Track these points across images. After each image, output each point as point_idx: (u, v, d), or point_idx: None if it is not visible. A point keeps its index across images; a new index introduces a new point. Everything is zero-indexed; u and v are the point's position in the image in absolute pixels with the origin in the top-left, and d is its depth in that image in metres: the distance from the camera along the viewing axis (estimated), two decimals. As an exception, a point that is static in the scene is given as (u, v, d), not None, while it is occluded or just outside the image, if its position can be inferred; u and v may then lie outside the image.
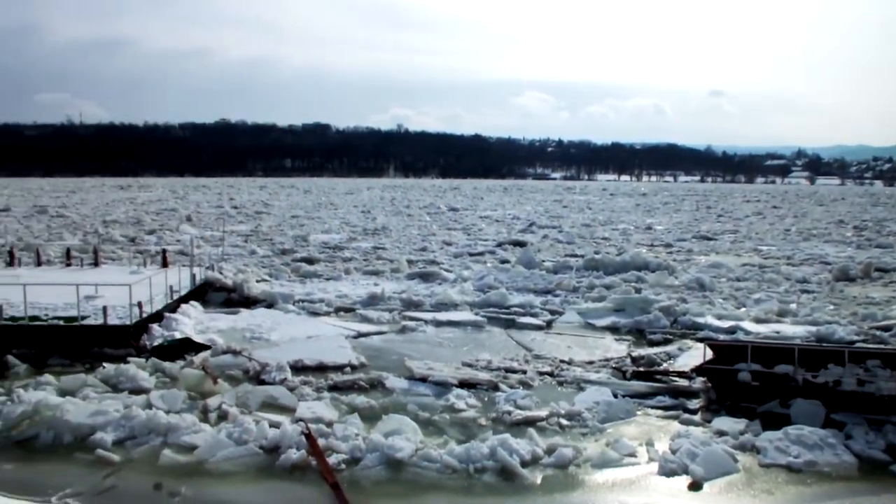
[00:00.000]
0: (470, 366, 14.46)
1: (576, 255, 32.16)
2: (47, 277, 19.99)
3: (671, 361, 15.14)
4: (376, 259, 31.45)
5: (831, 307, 20.63)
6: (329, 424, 10.74)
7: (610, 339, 17.44)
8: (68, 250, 26.94)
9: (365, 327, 18.15)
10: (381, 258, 31.70)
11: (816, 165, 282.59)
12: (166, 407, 11.28)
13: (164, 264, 23.73)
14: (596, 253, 30.86)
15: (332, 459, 9.56)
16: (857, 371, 11.88)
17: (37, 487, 8.81)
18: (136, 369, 13.27)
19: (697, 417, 11.69)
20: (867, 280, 26.28)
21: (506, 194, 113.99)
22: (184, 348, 15.15)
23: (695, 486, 9.09)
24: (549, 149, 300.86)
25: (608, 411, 11.58)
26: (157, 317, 16.87)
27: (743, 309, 20.41)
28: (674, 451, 9.80)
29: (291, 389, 12.56)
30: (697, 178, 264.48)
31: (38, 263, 25.15)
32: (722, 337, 16.48)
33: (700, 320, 18.47)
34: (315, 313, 19.83)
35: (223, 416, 11.14)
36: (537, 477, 9.36)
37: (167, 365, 13.81)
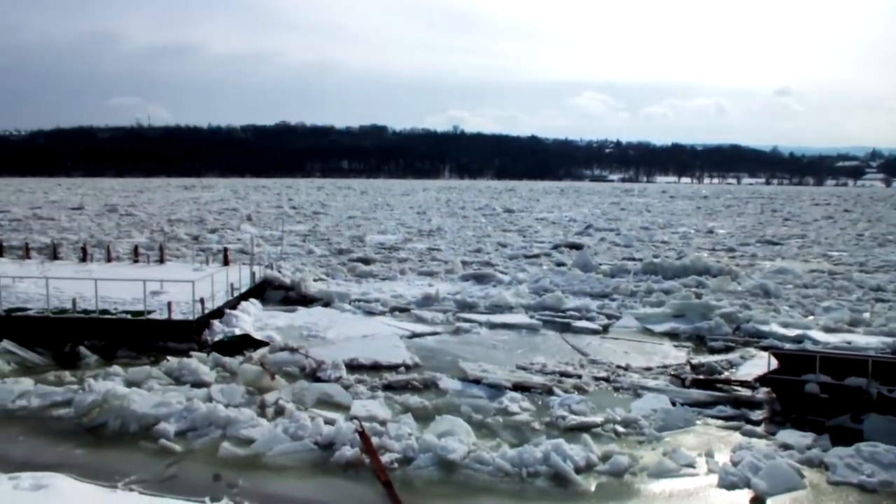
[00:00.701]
0: (524, 369, 14.36)
1: (634, 259, 31.53)
2: (116, 273, 20.77)
3: (733, 370, 14.66)
4: (431, 260, 31.55)
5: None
6: (383, 423, 10.82)
7: (668, 345, 17.02)
8: (136, 247, 27.96)
9: (419, 328, 18.22)
10: (435, 259, 31.79)
11: (893, 167, 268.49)
12: (226, 401, 11.58)
13: (226, 262, 24.39)
14: (655, 257, 30.24)
15: (385, 458, 9.62)
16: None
17: (104, 473, 9.17)
18: (198, 363, 13.68)
19: (760, 429, 11.24)
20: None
21: (562, 196, 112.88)
22: (243, 344, 15.51)
23: (757, 501, 8.74)
24: (607, 150, 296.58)
25: (666, 419, 11.29)
26: (219, 313, 17.31)
27: (811, 317, 19.61)
28: (735, 464, 9.45)
29: (346, 387, 12.72)
30: (762, 180, 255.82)
31: (109, 260, 26.14)
32: (788, 346, 15.85)
33: (764, 328, 17.84)
34: (370, 313, 20.01)
35: (280, 412, 11.37)
36: (591, 484, 9.20)
37: (227, 360, 14.18)
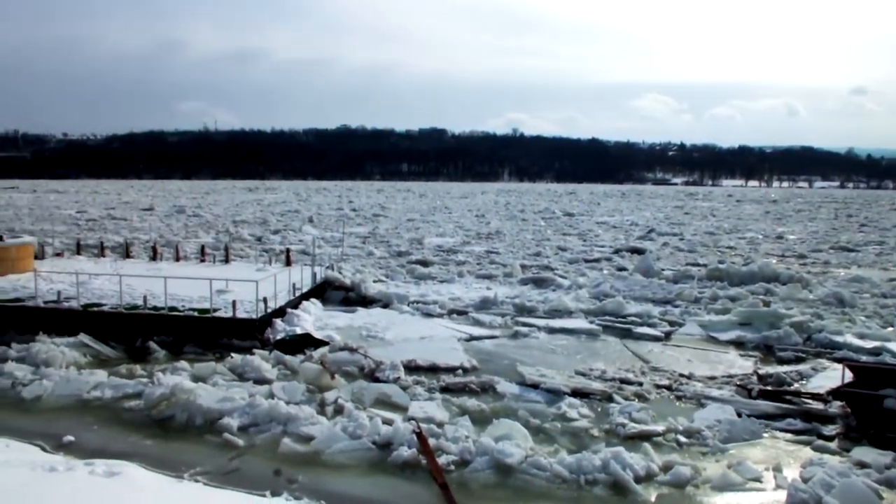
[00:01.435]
0: (583, 375, 14.15)
1: (698, 265, 30.69)
2: (184, 272, 21.40)
3: (803, 382, 14.07)
4: (489, 263, 31.46)
5: None
6: (440, 425, 10.84)
7: (734, 354, 16.47)
8: (203, 247, 28.84)
9: (477, 331, 18.17)
10: (494, 262, 31.67)
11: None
12: (287, 398, 11.82)
13: (288, 263, 24.89)
14: (720, 262, 29.33)
15: (441, 460, 9.63)
16: None
17: (172, 463, 9.49)
18: (261, 361, 14.00)
19: (834, 445, 10.73)
20: None
21: (623, 199, 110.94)
22: (304, 343, 15.78)
23: (829, 519, 8.34)
24: (670, 153, 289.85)
25: (731, 431, 10.93)
26: (281, 312, 17.66)
27: (890, 329, 18.64)
28: (805, 480, 9.01)
29: (404, 388, 12.80)
30: (836, 183, 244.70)
31: (177, 259, 27.01)
32: (864, 358, 15.09)
33: (838, 339, 17.05)
34: (429, 315, 20.08)
35: (339, 411, 11.53)
36: (651, 494, 8.99)
37: (288, 358, 14.46)
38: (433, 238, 43.17)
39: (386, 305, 21.01)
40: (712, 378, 14.15)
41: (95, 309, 16.97)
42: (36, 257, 24.36)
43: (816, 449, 10.52)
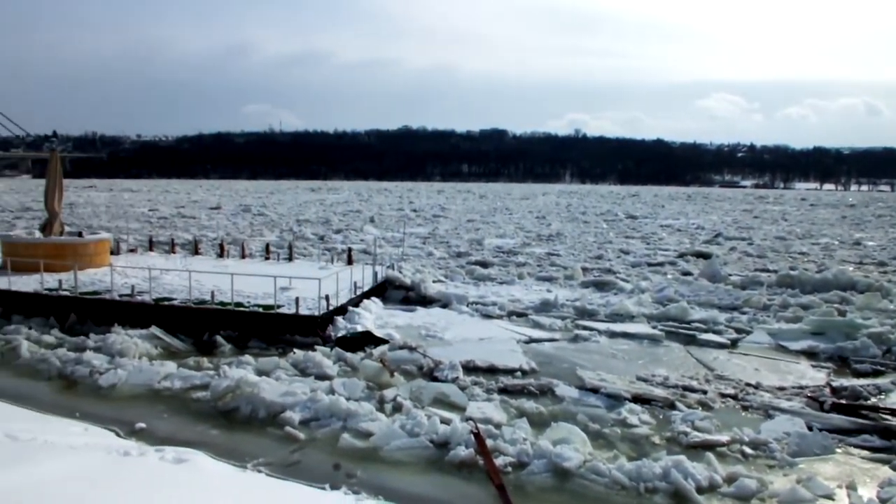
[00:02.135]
0: (645, 380, 13.88)
1: (767, 271, 29.67)
2: (250, 269, 21.98)
3: (882, 396, 13.35)
4: (550, 265, 31.20)
5: None
6: (497, 426, 10.81)
7: (805, 364, 15.82)
8: (267, 245, 29.56)
9: (537, 333, 18.04)
10: (554, 264, 31.40)
11: None
12: (347, 394, 12.01)
13: (349, 262, 25.29)
14: (792, 269, 28.30)
15: (498, 461, 9.61)
16: None
17: (236, 453, 9.77)
18: (322, 357, 14.25)
19: (914, 465, 10.18)
20: None
21: (689, 202, 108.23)
22: (364, 341, 15.99)
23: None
24: (739, 154, 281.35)
25: (801, 444, 10.50)
26: (342, 310, 17.95)
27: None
28: (883, 501, 8.54)
29: (462, 388, 12.82)
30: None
31: (243, 256, 27.77)
32: (946, 372, 14.34)
33: (920, 352, 16.20)
34: (488, 316, 20.05)
35: (398, 408, 11.65)
36: (715, 505, 8.74)
37: (349, 355, 14.68)
38: (493, 239, 43.11)
39: (445, 306, 21.10)
40: (781, 389, 13.63)
41: (166, 303, 17.61)
42: (112, 253, 25.49)
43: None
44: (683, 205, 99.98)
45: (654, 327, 18.85)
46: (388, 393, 12.32)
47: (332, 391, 12.13)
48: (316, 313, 16.72)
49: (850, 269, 29.58)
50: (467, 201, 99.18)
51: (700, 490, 8.91)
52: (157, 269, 20.09)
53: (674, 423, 11.39)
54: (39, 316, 17.78)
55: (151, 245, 30.01)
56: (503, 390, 13.05)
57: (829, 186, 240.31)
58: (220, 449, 9.87)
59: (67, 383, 13.30)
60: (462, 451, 9.78)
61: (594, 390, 13.01)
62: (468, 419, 10.99)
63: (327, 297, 17.17)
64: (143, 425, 10.81)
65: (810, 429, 11.11)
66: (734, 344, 17.52)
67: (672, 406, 12.27)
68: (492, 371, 14.31)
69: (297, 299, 17.03)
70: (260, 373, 13.21)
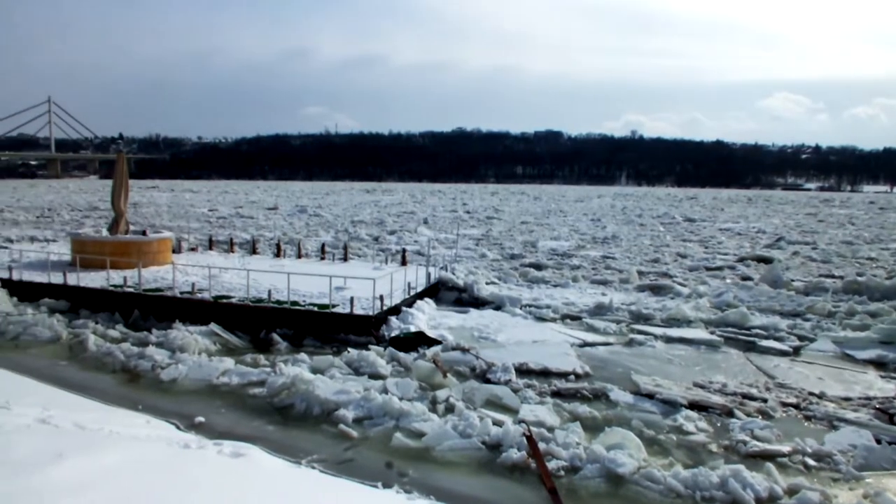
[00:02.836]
0: (702, 387, 13.54)
1: (833, 276, 28.59)
2: (305, 268, 22.36)
3: (954, 408, 12.77)
4: (605, 268, 30.77)
5: None
6: (550, 430, 10.72)
7: (873, 374, 15.14)
8: (323, 246, 30.04)
9: (591, 337, 17.82)
10: (609, 268, 30.95)
11: None
12: (400, 394, 12.09)
13: (403, 262, 25.47)
14: (859, 275, 27.17)
15: (551, 465, 9.52)
16: None
17: (291, 449, 9.93)
18: (375, 356, 14.38)
19: None
20: None
21: (750, 205, 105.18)
22: (417, 341, 16.06)
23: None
24: (803, 155, 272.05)
25: (868, 458, 10.04)
26: (396, 310, 18.10)
27: None
28: (954, 515, 8.23)
29: (515, 391, 12.75)
30: None
31: (299, 256, 28.29)
32: None
33: None
34: (541, 319, 19.90)
35: (450, 409, 11.66)
36: (775, 517, 8.47)
37: (402, 355, 14.77)
38: (547, 241, 42.79)
39: (498, 308, 21.03)
40: (847, 399, 13.10)
41: (225, 301, 18.07)
42: (174, 251, 26.32)
43: (971, 484, 9.50)
44: (744, 208, 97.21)
45: (711, 333, 18.39)
46: (441, 394, 12.36)
47: (385, 390, 12.23)
48: (370, 313, 16.89)
49: (923, 275, 28.21)
50: (521, 203, 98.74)
51: (759, 501, 8.64)
52: (216, 267, 20.64)
53: (732, 431, 11.09)
54: (105, 311, 18.51)
55: (211, 244, 30.88)
56: (556, 394, 12.93)
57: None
58: (275, 444, 10.06)
59: (131, 376, 13.80)
60: (514, 454, 9.73)
61: (649, 396, 12.77)
62: (521, 422, 10.93)
63: (381, 298, 17.32)
64: (202, 419, 11.12)
65: (878, 442, 10.64)
66: (797, 352, 16.93)
67: (730, 414, 11.94)
68: (545, 374, 14.19)
69: (351, 299, 17.24)
70: (315, 371, 13.43)
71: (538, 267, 30.32)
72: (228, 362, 14.07)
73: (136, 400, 12.18)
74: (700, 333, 18.31)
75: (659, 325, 19.26)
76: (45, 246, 30.23)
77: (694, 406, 12.22)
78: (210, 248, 30.18)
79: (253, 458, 8.82)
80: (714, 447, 10.59)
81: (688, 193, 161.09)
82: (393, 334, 16.54)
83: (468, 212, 73.60)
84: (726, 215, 77.14)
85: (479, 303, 21.65)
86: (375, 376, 13.46)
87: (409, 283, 20.00)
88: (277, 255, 28.41)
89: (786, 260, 34.61)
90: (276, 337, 16.31)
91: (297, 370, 12.89)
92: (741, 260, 34.49)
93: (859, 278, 25.27)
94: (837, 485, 9.38)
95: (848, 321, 19.72)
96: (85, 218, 55.91)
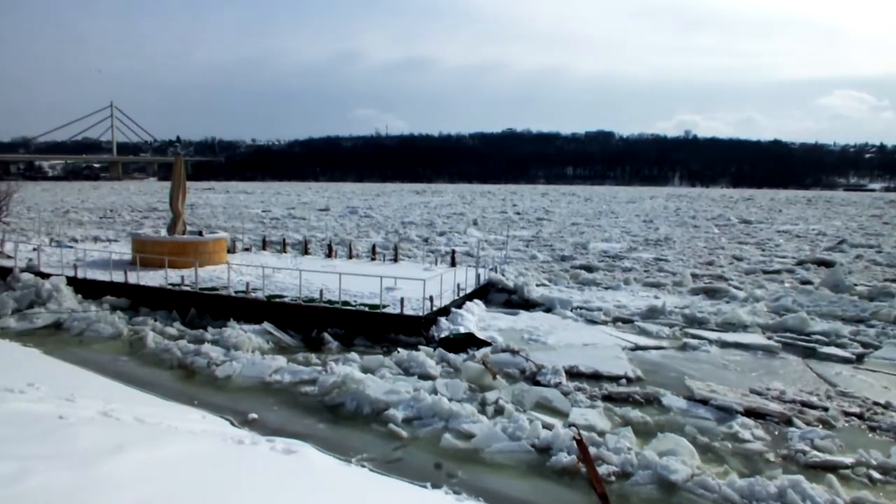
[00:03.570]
0: (759, 394, 13.15)
1: (898, 281, 27.47)
2: (356, 269, 22.61)
3: None
4: (657, 271, 30.22)
5: None
6: (601, 434, 10.58)
7: (944, 384, 14.50)
8: (373, 246, 30.33)
9: (643, 340, 17.51)
10: (662, 270, 30.38)
11: None
12: (449, 394, 12.10)
13: (453, 263, 25.51)
14: (927, 280, 26.04)
15: (601, 469, 9.38)
16: None
17: (341, 447, 10.05)
18: (425, 357, 14.44)
19: None
20: None
21: (809, 206, 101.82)
22: (467, 342, 16.05)
23: None
24: (867, 155, 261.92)
25: (938, 471, 9.63)
26: (445, 311, 18.13)
27: None
28: None
29: (565, 394, 12.63)
30: None
31: (350, 256, 28.63)
32: None
33: None
34: (592, 321, 19.66)
35: (499, 411, 11.62)
36: (837, 531, 8.15)
37: (451, 356, 14.79)
38: (598, 243, 42.29)
39: (548, 310, 20.87)
40: (915, 409, 12.55)
41: (278, 300, 18.40)
42: (228, 251, 26.95)
43: None
44: (803, 209, 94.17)
45: (769, 338, 17.87)
46: (490, 395, 12.32)
47: (434, 391, 12.26)
48: (420, 314, 16.97)
49: None
50: (572, 204, 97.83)
51: (820, 514, 8.34)
52: (269, 267, 21.05)
53: (791, 440, 10.74)
54: (163, 309, 19.07)
55: (265, 244, 31.49)
56: (607, 397, 12.75)
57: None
58: (326, 442, 10.19)
59: (187, 373, 14.19)
60: (564, 458, 9.63)
61: (703, 401, 12.48)
62: (571, 425, 10.81)
63: (431, 298, 17.38)
64: (255, 416, 11.35)
65: (949, 455, 10.15)
66: (860, 359, 16.29)
67: (789, 422, 11.57)
68: (596, 377, 14.01)
69: (401, 299, 17.34)
70: (365, 370, 13.56)
71: (589, 269, 29.99)
72: (281, 360, 14.34)
73: (191, 395, 12.52)
74: (757, 338, 17.81)
75: (713, 330, 18.81)
76: (107, 245, 31.35)
77: (750, 413, 11.88)
78: (263, 249, 30.80)
79: (304, 455, 8.95)
80: (771, 456, 10.28)
81: (743, 194, 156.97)
82: (443, 335, 16.57)
83: (518, 213, 73.30)
84: (784, 217, 74.85)
85: (529, 305, 21.51)
86: (425, 377, 13.52)
87: (458, 285, 20.02)
88: (329, 255, 28.80)
89: (848, 263, 33.32)
90: (327, 336, 16.53)
91: (347, 369, 13.03)
92: (800, 263, 33.41)
93: (928, 283, 24.20)
94: (904, 499, 9.00)
95: (916, 328, 18.89)
96: (144, 218, 57.77)
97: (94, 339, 16.78)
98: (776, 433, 11.17)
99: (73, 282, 20.66)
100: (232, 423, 10.96)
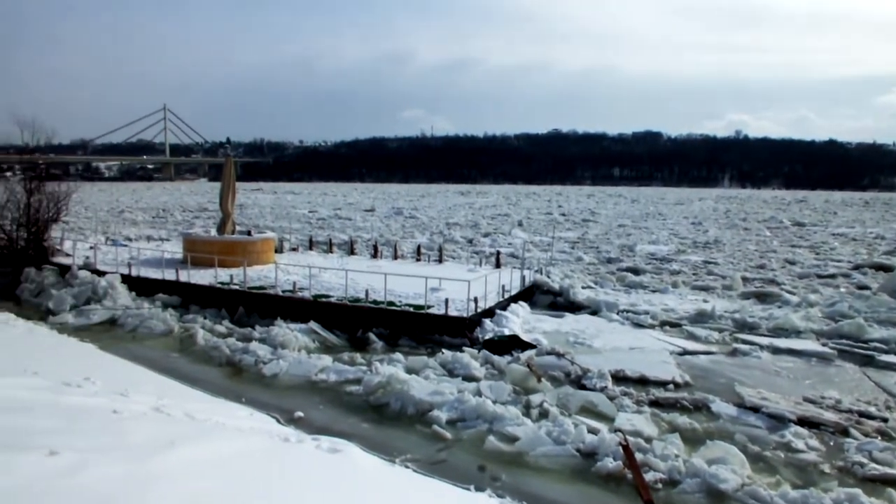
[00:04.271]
0: (813, 402, 12.74)
1: (963, 287, 26.27)
2: (401, 269, 22.72)
3: None
4: (706, 274, 29.59)
5: None
6: (648, 440, 10.39)
7: None
8: (418, 247, 30.47)
9: (691, 345, 17.15)
10: (711, 273, 29.75)
11: None
12: (493, 397, 12.07)
13: (498, 265, 25.42)
14: None
15: (647, 476, 9.21)
16: None
17: (385, 447, 10.11)
18: (469, 358, 14.43)
19: None
20: None
21: (867, 209, 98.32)
22: (511, 344, 15.96)
23: None
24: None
25: None
26: (490, 313, 18.08)
27: None
28: None
29: (611, 398, 12.46)
30: None
31: (395, 257, 28.81)
32: None
33: None
34: (639, 325, 19.35)
35: (544, 414, 11.52)
36: (897, 546, 7.84)
37: (496, 358, 14.74)
38: (645, 245, 41.64)
39: (594, 312, 20.62)
40: (981, 421, 12.00)
41: (324, 300, 18.62)
42: (276, 251, 27.39)
43: None
44: (860, 211, 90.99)
45: (824, 345, 17.31)
46: (535, 398, 12.23)
47: (478, 393, 12.24)
48: (464, 315, 16.95)
49: None
50: (618, 206, 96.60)
51: (879, 528, 8.04)
52: (316, 267, 21.30)
53: (847, 451, 10.37)
54: (213, 307, 19.49)
55: (311, 244, 31.92)
56: (654, 403, 12.52)
57: None
58: (370, 442, 10.26)
59: (235, 370, 14.48)
60: (610, 463, 9.50)
61: (754, 409, 12.15)
62: (617, 430, 10.65)
63: (476, 300, 17.35)
64: (300, 414, 11.50)
65: None
66: (922, 368, 15.64)
67: (845, 433, 11.18)
68: (642, 382, 13.79)
69: (446, 300, 17.36)
70: (410, 371, 13.61)
71: (636, 271, 29.55)
72: (326, 360, 14.50)
73: (239, 393, 12.76)
74: (811, 345, 17.28)
75: (765, 335, 18.32)
76: (159, 244, 32.23)
77: (804, 422, 11.51)
78: (310, 249, 31.22)
79: (349, 454, 9.01)
80: (827, 468, 9.94)
81: (796, 196, 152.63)
82: (487, 337, 16.52)
83: (563, 214, 72.73)
84: (840, 219, 72.47)
85: (574, 307, 21.30)
86: (469, 378, 13.50)
87: (503, 286, 19.94)
88: (374, 255, 29.03)
89: (909, 268, 32.05)
90: (372, 336, 16.65)
91: (392, 370, 13.11)
92: (857, 267, 32.26)
93: None
94: (970, 516, 8.60)
95: (982, 336, 18.04)
96: (195, 218, 59.23)
97: (147, 336, 17.27)
98: (832, 444, 10.81)
99: (127, 279, 21.28)
100: (278, 421, 11.12)
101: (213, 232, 27.46)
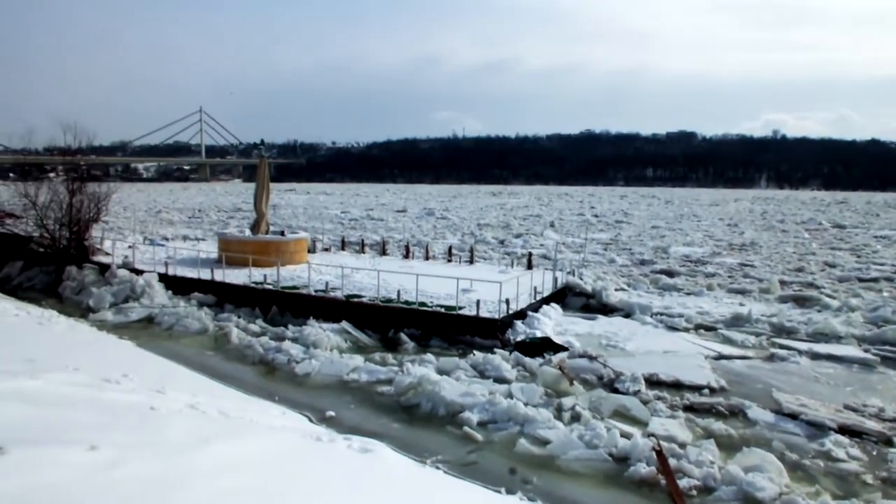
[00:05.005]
0: (854, 410, 12.41)
1: None
2: (433, 270, 22.73)
3: None
4: (743, 277, 29.05)
5: None
6: (682, 446, 10.24)
7: None
8: (450, 248, 30.46)
9: (727, 349, 16.85)
10: (748, 276, 29.18)
11: None
12: (525, 399, 12.00)
13: (529, 266, 25.31)
14: None
15: (682, 483, 9.08)
16: None
17: (416, 448, 10.14)
18: (501, 360, 14.38)
19: None
20: None
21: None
22: (543, 347, 15.86)
23: None
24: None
25: None
26: (521, 314, 17.99)
27: None
28: None
29: (644, 402, 12.30)
30: None
31: (426, 258, 28.85)
32: None
33: None
34: (673, 328, 19.06)
35: (576, 418, 11.43)
36: (944, 560, 7.59)
37: (527, 360, 14.67)
38: (680, 247, 41.04)
39: (627, 315, 20.39)
40: None
41: (356, 300, 18.72)
42: (309, 251, 27.64)
43: None
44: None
45: (866, 350, 16.85)
46: (567, 401, 12.13)
47: (510, 395, 12.19)
48: (496, 316, 16.90)
49: None
50: (652, 207, 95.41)
51: (924, 541, 7.79)
52: (348, 267, 21.44)
53: (891, 462, 10.10)
54: (247, 306, 19.73)
55: (343, 245, 32.16)
56: (689, 408, 12.33)
57: None
58: (401, 442, 10.28)
59: (268, 369, 14.64)
60: (643, 469, 9.37)
61: (793, 416, 11.88)
62: (650, 435, 10.51)
63: (507, 301, 17.28)
64: (332, 413, 11.58)
65: None
66: (969, 376, 15.14)
67: (889, 442, 10.88)
68: (677, 386, 13.58)
69: (477, 302, 17.31)
70: (441, 372, 13.62)
71: (670, 273, 29.15)
72: (358, 360, 14.58)
73: (272, 391, 12.90)
74: (852, 351, 16.84)
75: (804, 340, 17.91)
76: (195, 244, 32.77)
77: (845, 430, 11.23)
78: (342, 249, 31.44)
79: (380, 454, 9.03)
80: (869, 478, 9.67)
81: (836, 197, 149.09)
82: (519, 339, 16.44)
83: (596, 215, 72.10)
84: (882, 221, 70.50)
85: (607, 309, 21.09)
86: (500, 380, 13.46)
87: (535, 288, 19.82)
88: (406, 256, 29.12)
89: (955, 272, 31.07)
90: (403, 336, 16.69)
91: (423, 370, 13.13)
92: (901, 271, 31.38)
93: None
94: None
95: None
96: (230, 219, 60.07)
97: (183, 334, 17.55)
98: (874, 453, 10.53)
99: (164, 278, 21.67)
100: (310, 420, 11.21)
101: (248, 232, 27.80)
